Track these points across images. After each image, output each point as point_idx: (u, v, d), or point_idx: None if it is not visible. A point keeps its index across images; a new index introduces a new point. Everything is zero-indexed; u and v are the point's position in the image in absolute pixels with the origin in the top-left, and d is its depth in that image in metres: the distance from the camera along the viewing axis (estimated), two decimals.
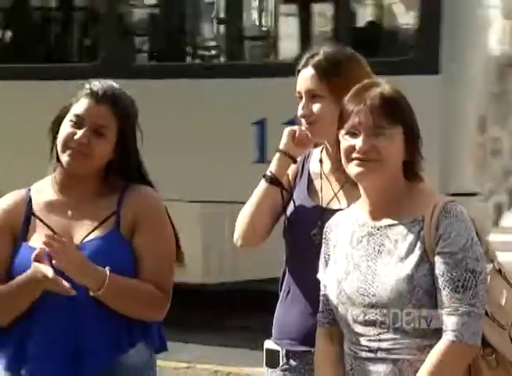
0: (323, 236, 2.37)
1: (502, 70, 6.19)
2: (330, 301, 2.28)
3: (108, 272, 2.32)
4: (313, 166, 2.64)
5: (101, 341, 2.36)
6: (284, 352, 2.56)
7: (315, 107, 2.53)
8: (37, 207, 2.47)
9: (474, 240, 2.13)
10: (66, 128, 2.42)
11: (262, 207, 2.59)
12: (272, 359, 2.59)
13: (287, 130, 2.62)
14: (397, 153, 2.20)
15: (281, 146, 2.61)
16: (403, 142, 2.20)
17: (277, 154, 2.62)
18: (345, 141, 2.22)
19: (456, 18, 5.54)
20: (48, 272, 2.27)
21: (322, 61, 2.55)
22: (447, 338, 2.08)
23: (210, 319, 6.77)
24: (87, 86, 2.46)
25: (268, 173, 2.60)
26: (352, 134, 2.20)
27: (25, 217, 2.46)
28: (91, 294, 2.32)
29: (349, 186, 2.45)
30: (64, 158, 2.41)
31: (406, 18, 6.29)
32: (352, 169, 2.21)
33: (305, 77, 2.56)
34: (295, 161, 2.63)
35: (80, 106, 2.43)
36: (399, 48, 6.16)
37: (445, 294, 2.09)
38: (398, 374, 2.14)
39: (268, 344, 2.63)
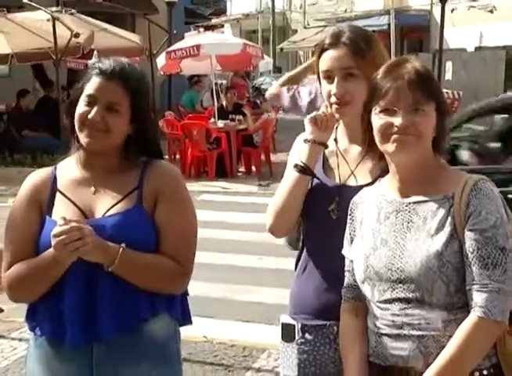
0: (349, 213, 2.37)
1: None
2: (356, 276, 2.28)
3: (121, 248, 2.35)
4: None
5: (117, 308, 2.38)
6: (300, 326, 2.58)
7: (351, 87, 2.46)
8: (61, 183, 2.52)
9: (503, 218, 2.12)
10: (80, 108, 2.45)
11: (296, 196, 2.53)
12: (287, 334, 2.61)
13: (308, 118, 2.55)
14: (431, 129, 2.18)
15: (308, 136, 2.54)
16: (435, 118, 2.18)
17: (306, 145, 2.53)
18: (380, 119, 2.18)
19: None
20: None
21: (355, 38, 2.48)
22: (475, 314, 2.07)
23: (227, 294, 6.81)
24: (96, 65, 2.48)
25: (299, 162, 2.52)
26: (388, 111, 2.16)
27: (50, 193, 2.50)
28: (105, 268, 2.35)
29: (365, 163, 2.48)
30: (83, 139, 2.45)
31: None
32: (390, 147, 2.17)
33: (338, 56, 2.48)
34: (326, 146, 2.56)
35: (91, 85, 2.45)
36: None
37: (474, 270, 2.08)
38: (423, 352, 2.13)
39: (284, 318, 2.64)
